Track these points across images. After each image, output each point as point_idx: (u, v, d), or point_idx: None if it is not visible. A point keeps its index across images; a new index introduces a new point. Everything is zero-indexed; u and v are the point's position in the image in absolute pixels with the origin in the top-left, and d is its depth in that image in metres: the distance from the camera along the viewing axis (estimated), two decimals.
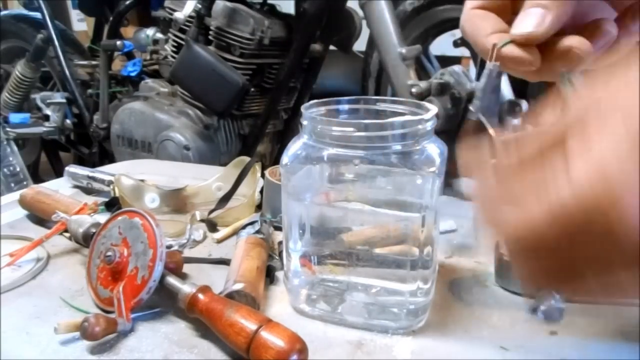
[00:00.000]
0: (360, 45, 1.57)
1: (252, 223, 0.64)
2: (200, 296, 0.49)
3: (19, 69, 1.86)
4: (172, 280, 0.51)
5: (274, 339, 0.42)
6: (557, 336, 0.50)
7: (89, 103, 1.78)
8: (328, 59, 1.59)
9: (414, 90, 1.16)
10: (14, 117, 1.77)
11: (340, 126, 0.48)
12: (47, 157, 2.22)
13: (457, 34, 1.53)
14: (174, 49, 1.52)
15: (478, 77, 1.23)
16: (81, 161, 1.87)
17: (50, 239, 0.64)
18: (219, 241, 0.70)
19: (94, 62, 1.84)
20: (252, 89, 1.49)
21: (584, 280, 0.26)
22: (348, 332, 0.50)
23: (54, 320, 0.48)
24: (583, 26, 0.39)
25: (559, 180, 0.24)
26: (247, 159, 0.81)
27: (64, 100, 1.80)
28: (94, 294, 0.55)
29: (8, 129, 1.71)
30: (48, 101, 1.80)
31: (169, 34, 1.53)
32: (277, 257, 0.63)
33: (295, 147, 0.51)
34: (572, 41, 0.37)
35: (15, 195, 0.80)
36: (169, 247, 0.64)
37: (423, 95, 1.15)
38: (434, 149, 0.49)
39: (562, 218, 0.24)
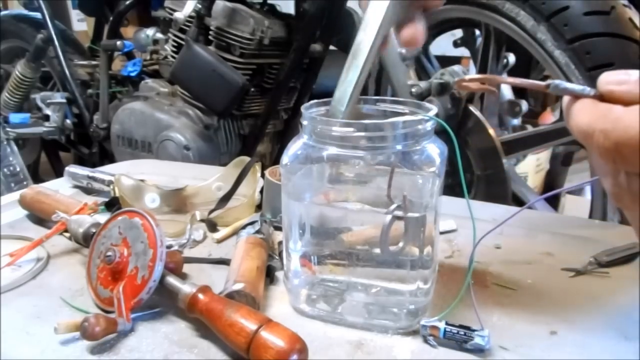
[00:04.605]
0: None
1: (252, 223, 0.64)
2: (200, 296, 0.49)
3: (19, 69, 1.85)
4: (172, 280, 0.51)
5: (274, 339, 0.43)
6: (557, 336, 0.50)
7: (89, 103, 1.78)
8: (328, 59, 1.58)
9: (414, 90, 1.16)
10: (14, 117, 1.76)
11: (340, 126, 0.48)
12: (47, 157, 2.22)
13: (457, 34, 1.52)
14: (174, 49, 1.52)
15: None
16: (81, 161, 1.87)
17: (50, 239, 0.64)
18: (219, 241, 0.70)
19: (94, 62, 1.83)
20: (252, 89, 1.49)
21: None
22: (348, 332, 0.50)
23: (54, 320, 0.48)
24: None
25: None
26: (247, 159, 0.81)
27: (64, 100, 1.80)
28: (94, 294, 0.55)
29: (8, 129, 1.70)
30: (48, 101, 1.80)
31: (169, 34, 1.53)
32: (277, 257, 0.63)
33: (295, 147, 0.51)
34: None
35: (15, 195, 0.80)
36: (169, 247, 0.64)
37: (423, 95, 1.15)
38: (434, 149, 0.49)
39: None
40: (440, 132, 0.51)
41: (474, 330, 0.47)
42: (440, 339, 0.48)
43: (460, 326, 0.48)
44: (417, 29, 0.51)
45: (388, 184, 0.46)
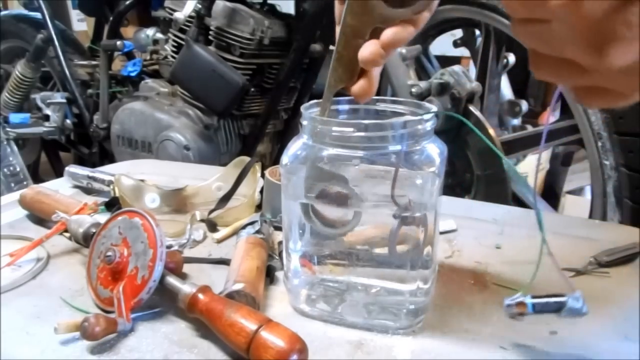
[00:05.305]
0: None
1: (252, 223, 0.64)
2: (200, 296, 0.49)
3: (19, 69, 1.85)
4: (172, 280, 0.51)
5: (274, 339, 0.43)
6: (557, 336, 0.50)
7: (89, 103, 1.78)
8: (328, 59, 1.59)
9: (414, 90, 1.16)
10: (14, 117, 1.76)
11: (340, 126, 0.48)
12: (47, 157, 2.22)
13: (457, 34, 1.52)
14: (174, 49, 1.52)
15: (477, 78, 1.23)
16: (81, 161, 1.87)
17: (50, 239, 0.64)
18: (219, 241, 0.70)
19: (94, 62, 1.83)
20: (252, 89, 1.49)
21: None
22: (348, 332, 0.50)
23: (54, 320, 0.48)
24: None
25: None
26: (247, 159, 0.81)
27: (64, 100, 1.80)
28: (94, 294, 0.55)
29: (8, 129, 1.70)
30: (48, 101, 1.80)
31: (169, 34, 1.53)
32: (277, 257, 0.63)
33: (295, 147, 0.51)
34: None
35: (15, 195, 0.80)
36: (169, 247, 0.64)
37: (423, 95, 1.15)
38: (434, 149, 0.49)
39: None
40: (440, 133, 0.51)
41: (564, 296, 0.44)
42: (529, 314, 0.45)
43: (548, 295, 0.45)
44: (371, 82, 0.47)
45: (392, 185, 0.46)
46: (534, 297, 0.45)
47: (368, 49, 0.44)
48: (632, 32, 0.27)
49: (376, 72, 0.47)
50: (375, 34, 0.44)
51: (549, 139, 1.15)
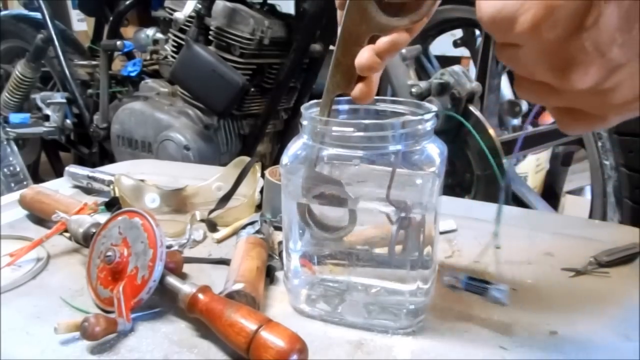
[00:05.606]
0: None
1: (252, 223, 0.64)
2: (200, 296, 0.49)
3: (19, 69, 1.86)
4: (172, 280, 0.51)
5: (274, 339, 0.43)
6: (557, 336, 0.50)
7: (89, 103, 1.78)
8: (328, 59, 1.59)
9: (414, 90, 1.16)
10: (14, 117, 1.77)
11: (340, 126, 0.48)
12: (47, 157, 2.22)
13: (457, 34, 1.52)
14: (174, 49, 1.53)
15: (477, 78, 1.23)
16: (81, 161, 1.87)
17: (50, 239, 0.64)
18: (219, 241, 0.70)
19: (94, 62, 1.84)
20: (252, 89, 1.49)
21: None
22: (348, 332, 0.50)
23: (54, 320, 0.48)
24: None
25: None
26: (247, 159, 0.81)
27: (64, 100, 1.80)
28: (94, 294, 0.55)
29: (8, 129, 1.71)
30: (48, 101, 1.80)
31: (169, 34, 1.53)
32: (277, 257, 0.63)
33: (295, 147, 0.51)
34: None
35: (15, 195, 0.80)
36: (169, 247, 0.64)
37: (423, 95, 1.15)
38: (434, 149, 0.49)
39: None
40: (440, 133, 0.51)
41: (492, 284, 0.54)
42: (461, 289, 0.55)
43: (480, 280, 0.54)
44: (370, 86, 0.46)
45: (388, 186, 0.46)
46: (470, 278, 0.55)
47: (364, 56, 0.44)
48: (588, 57, 0.29)
49: (376, 75, 0.47)
50: (374, 41, 0.44)
51: (549, 139, 1.15)
